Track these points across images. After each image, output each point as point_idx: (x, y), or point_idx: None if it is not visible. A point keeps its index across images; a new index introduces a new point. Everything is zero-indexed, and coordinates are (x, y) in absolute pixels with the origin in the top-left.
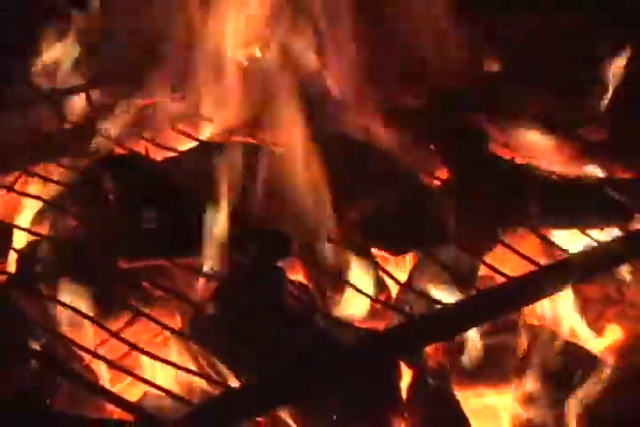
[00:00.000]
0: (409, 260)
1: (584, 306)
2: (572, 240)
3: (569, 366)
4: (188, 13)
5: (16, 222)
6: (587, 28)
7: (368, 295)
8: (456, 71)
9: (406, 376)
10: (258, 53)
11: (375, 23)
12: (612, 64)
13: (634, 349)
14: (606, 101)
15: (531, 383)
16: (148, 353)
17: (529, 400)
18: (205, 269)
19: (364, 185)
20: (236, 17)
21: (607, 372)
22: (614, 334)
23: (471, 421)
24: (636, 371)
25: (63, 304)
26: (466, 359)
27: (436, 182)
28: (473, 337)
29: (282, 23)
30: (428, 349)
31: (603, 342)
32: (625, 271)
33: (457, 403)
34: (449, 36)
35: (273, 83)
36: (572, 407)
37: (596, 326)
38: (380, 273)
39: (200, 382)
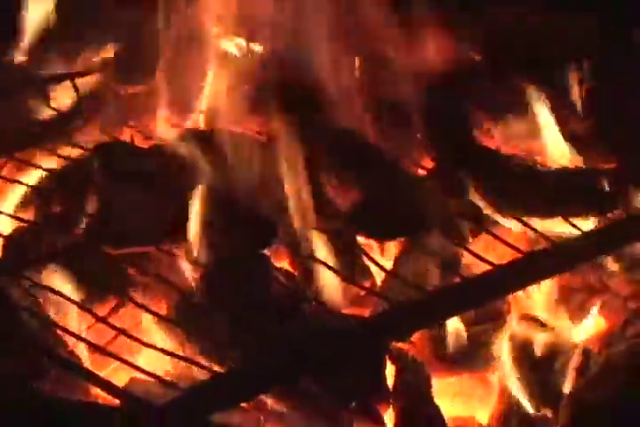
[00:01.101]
0: (393, 248)
1: (567, 295)
2: (555, 229)
3: (553, 354)
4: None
5: (1, 208)
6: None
7: (354, 282)
8: (440, 61)
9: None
10: (244, 44)
11: (358, 14)
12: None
13: (616, 338)
14: (586, 93)
15: (513, 371)
16: (135, 338)
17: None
18: (191, 256)
19: (349, 173)
20: (225, 5)
21: (591, 361)
22: (597, 323)
23: (453, 406)
24: (619, 360)
25: (50, 290)
26: (449, 346)
27: (421, 171)
28: (457, 324)
29: (270, 15)
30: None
31: (586, 331)
32: (608, 261)
33: (432, 402)
34: (433, 26)
35: (260, 73)
36: (556, 396)
37: (579, 316)
38: (366, 260)
39: (186, 368)
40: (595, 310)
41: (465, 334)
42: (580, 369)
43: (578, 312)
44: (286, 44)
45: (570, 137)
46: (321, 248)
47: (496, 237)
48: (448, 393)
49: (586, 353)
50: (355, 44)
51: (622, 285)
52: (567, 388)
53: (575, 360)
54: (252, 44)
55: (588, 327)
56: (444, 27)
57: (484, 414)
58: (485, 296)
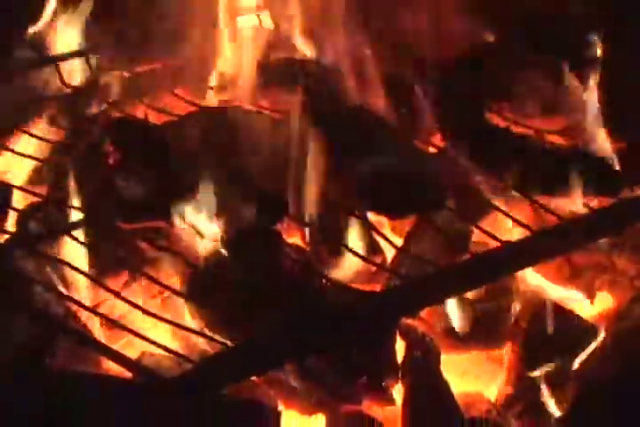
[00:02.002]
0: (404, 224)
1: (575, 273)
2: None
3: (561, 331)
4: None
5: (15, 183)
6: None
7: (365, 258)
8: (452, 43)
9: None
10: (256, 21)
11: None
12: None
13: (624, 315)
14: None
15: (523, 348)
16: (147, 312)
17: (521, 365)
18: (203, 231)
19: (360, 150)
20: None
21: (599, 338)
22: (605, 301)
23: (462, 382)
24: (626, 337)
25: (63, 263)
26: (458, 323)
27: (432, 149)
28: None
29: None
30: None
31: (593, 308)
32: (616, 239)
33: (441, 378)
34: (446, 8)
35: (271, 50)
36: (564, 373)
37: (587, 293)
38: (376, 237)
39: (197, 342)
40: (602, 288)
41: (474, 311)
42: (587, 347)
43: (586, 290)
44: (302, 21)
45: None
46: (333, 224)
47: (506, 214)
48: (457, 370)
49: (593, 331)
50: (371, 24)
51: (630, 263)
52: (574, 365)
53: (582, 338)
54: (265, 20)
55: (596, 305)
56: (460, 8)
57: (492, 391)
58: (495, 273)
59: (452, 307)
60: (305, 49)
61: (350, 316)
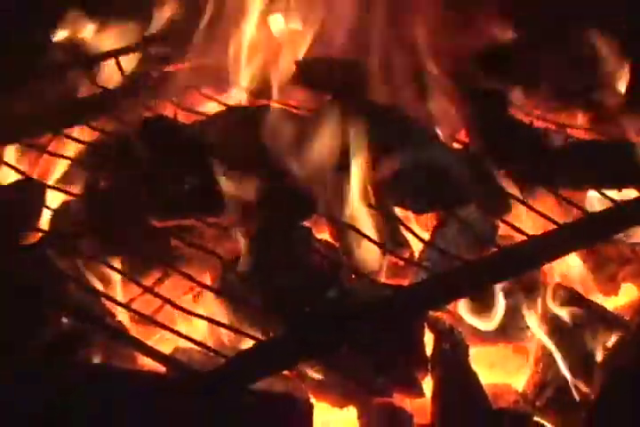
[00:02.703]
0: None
1: (600, 265)
2: (590, 201)
3: (586, 323)
4: None
5: (49, 182)
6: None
7: (392, 253)
8: (473, 40)
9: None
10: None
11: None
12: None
13: None
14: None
15: (548, 340)
16: (180, 308)
17: (548, 356)
18: (235, 228)
19: (389, 146)
20: None
21: (624, 329)
22: (629, 292)
23: (491, 374)
24: None
25: (97, 260)
26: (486, 315)
27: (457, 145)
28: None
29: None
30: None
31: (618, 299)
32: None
33: (470, 370)
34: (466, 6)
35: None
36: (590, 364)
37: (611, 285)
38: (404, 231)
39: (228, 337)
40: (626, 279)
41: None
42: (612, 337)
43: (610, 281)
44: (329, 21)
45: (602, 111)
46: (361, 220)
47: (531, 208)
48: (484, 362)
49: (617, 322)
50: (397, 23)
51: None
52: (599, 356)
53: (607, 328)
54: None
55: (620, 296)
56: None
57: (520, 382)
58: (521, 266)
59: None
60: (336, 49)
61: (379, 309)
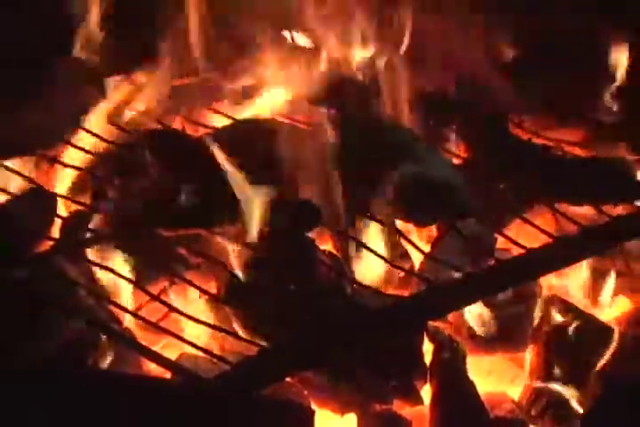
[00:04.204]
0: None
1: (595, 278)
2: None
3: (581, 334)
4: None
5: (59, 192)
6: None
7: (393, 264)
8: (474, 59)
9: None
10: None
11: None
12: (618, 51)
13: None
14: (615, 87)
15: (545, 350)
16: (186, 315)
17: (543, 366)
18: (240, 238)
19: (391, 161)
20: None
21: (618, 341)
22: (623, 305)
23: (487, 383)
24: None
25: (105, 268)
26: (481, 327)
27: (456, 160)
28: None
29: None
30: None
31: (611, 312)
32: (633, 245)
33: (468, 379)
34: (467, 26)
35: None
36: (585, 375)
37: (606, 297)
38: (405, 243)
39: (232, 345)
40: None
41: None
42: (607, 349)
43: (604, 294)
44: (334, 38)
45: (599, 129)
46: (363, 232)
47: (528, 222)
48: (482, 371)
49: (612, 334)
50: (397, 39)
51: None
52: (596, 367)
53: (602, 340)
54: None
55: (615, 308)
56: (485, 24)
57: (515, 391)
58: (518, 278)
59: (475, 312)
60: (337, 65)
61: (380, 319)
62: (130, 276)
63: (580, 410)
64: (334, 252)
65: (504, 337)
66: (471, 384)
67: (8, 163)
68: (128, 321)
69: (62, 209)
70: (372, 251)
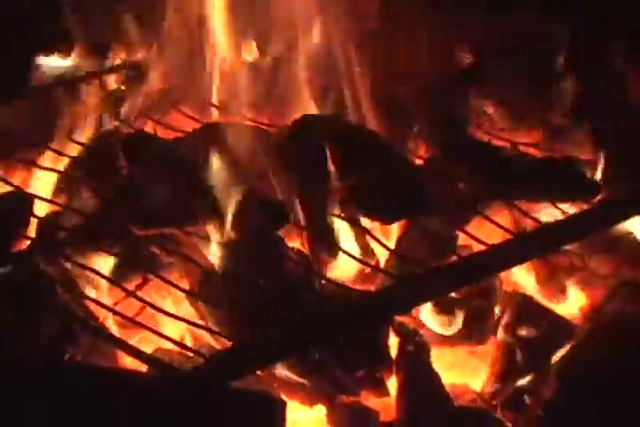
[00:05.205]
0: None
1: (552, 273)
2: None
3: (540, 328)
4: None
5: (38, 194)
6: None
7: (360, 260)
8: (435, 67)
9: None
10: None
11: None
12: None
13: (597, 313)
14: (569, 92)
15: (505, 343)
16: (161, 310)
17: (504, 359)
18: (212, 237)
19: (354, 160)
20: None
21: (576, 334)
22: (578, 299)
23: (450, 375)
24: (600, 333)
25: (81, 266)
26: (440, 323)
27: (419, 161)
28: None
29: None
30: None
31: (569, 306)
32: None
33: (432, 371)
34: (427, 37)
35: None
36: (544, 367)
37: (563, 292)
38: (370, 240)
39: (205, 340)
40: (576, 287)
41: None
42: (564, 342)
43: (561, 289)
44: (297, 44)
45: (554, 131)
46: (330, 230)
47: (489, 219)
48: (445, 363)
49: (569, 327)
50: (362, 43)
51: (601, 264)
52: (554, 359)
53: (559, 334)
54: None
55: (571, 303)
56: (445, 27)
57: (477, 383)
58: (480, 274)
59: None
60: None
61: (347, 314)
62: (106, 273)
63: (541, 400)
64: (303, 249)
65: (466, 331)
66: (436, 376)
67: None
68: (105, 316)
69: (39, 210)
70: (339, 248)
